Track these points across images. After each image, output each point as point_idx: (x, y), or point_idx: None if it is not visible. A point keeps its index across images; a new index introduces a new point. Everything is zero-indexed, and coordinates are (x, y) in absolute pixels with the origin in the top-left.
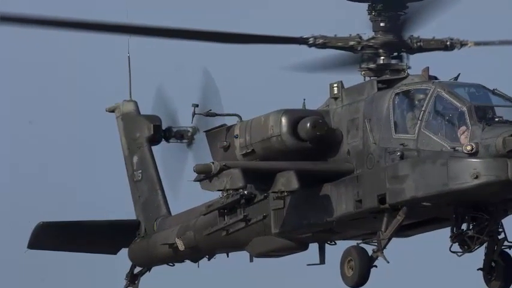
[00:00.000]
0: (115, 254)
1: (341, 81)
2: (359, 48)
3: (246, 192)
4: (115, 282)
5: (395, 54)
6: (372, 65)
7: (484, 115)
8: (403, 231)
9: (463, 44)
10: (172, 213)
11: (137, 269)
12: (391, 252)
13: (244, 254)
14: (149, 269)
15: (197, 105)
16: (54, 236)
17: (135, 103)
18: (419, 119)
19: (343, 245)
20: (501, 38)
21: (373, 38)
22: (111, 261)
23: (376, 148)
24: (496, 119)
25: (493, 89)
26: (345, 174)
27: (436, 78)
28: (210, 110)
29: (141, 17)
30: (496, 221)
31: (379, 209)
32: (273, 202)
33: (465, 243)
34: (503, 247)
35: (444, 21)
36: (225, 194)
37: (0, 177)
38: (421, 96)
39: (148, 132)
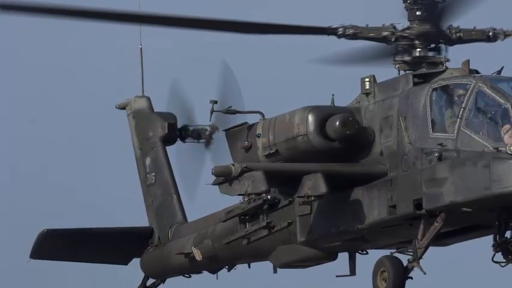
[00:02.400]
0: (126, 264)
1: (373, 76)
2: (393, 39)
3: (269, 196)
4: None
5: (433, 45)
6: (407, 58)
7: None
8: (441, 239)
9: (506, 35)
10: (189, 220)
11: (150, 281)
12: (428, 263)
13: (267, 265)
14: (163, 281)
15: (216, 102)
16: (59, 245)
17: (148, 99)
18: (459, 116)
19: (375, 254)
20: None
21: (408, 28)
22: (121, 272)
23: (412, 148)
24: None
25: None
26: (378, 177)
27: (477, 72)
28: (230, 106)
29: (154, 5)
30: None
31: (415, 215)
32: (298, 207)
33: (509, 252)
34: None
35: (486, 10)
36: (246, 199)
37: (1, 180)
38: (461, 91)
39: (162, 131)
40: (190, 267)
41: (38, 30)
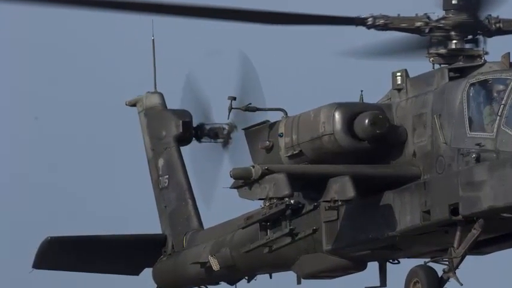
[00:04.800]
0: (137, 274)
1: (405, 70)
2: (427, 30)
3: (292, 201)
4: None
5: (470, 37)
6: (442, 50)
7: None
8: (480, 247)
9: None
10: (205, 227)
11: None
12: (465, 273)
13: (290, 275)
14: None
15: (234, 98)
16: (63, 254)
17: (161, 95)
18: (499, 114)
19: (408, 264)
20: None
21: (443, 18)
22: (132, 283)
23: (448, 149)
24: None
25: None
26: (410, 180)
27: None
28: (250, 103)
29: None
30: None
31: (451, 221)
32: (324, 213)
33: None
34: None
35: None
36: (267, 204)
37: (1, 181)
38: (501, 87)
39: (176, 130)
40: (207, 278)
41: (43, 22)
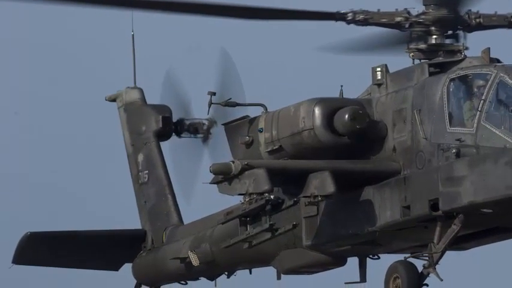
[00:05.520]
0: (117, 270)
1: (385, 65)
2: (407, 26)
3: (272, 196)
4: None
5: (450, 32)
6: (422, 46)
7: None
8: (459, 243)
9: None
10: (185, 222)
11: None
12: (445, 268)
13: (270, 270)
14: None
15: (214, 93)
16: (43, 249)
17: (141, 91)
18: (479, 109)
19: (387, 259)
20: None
21: (423, 13)
22: (112, 278)
23: (427, 144)
24: None
25: None
26: (390, 175)
27: (498, 61)
28: (230, 98)
29: None
30: None
31: (431, 216)
32: (304, 208)
33: None
34: None
35: None
36: (247, 199)
37: None
38: (481, 82)
39: (156, 126)
40: (187, 273)
41: (22, 17)
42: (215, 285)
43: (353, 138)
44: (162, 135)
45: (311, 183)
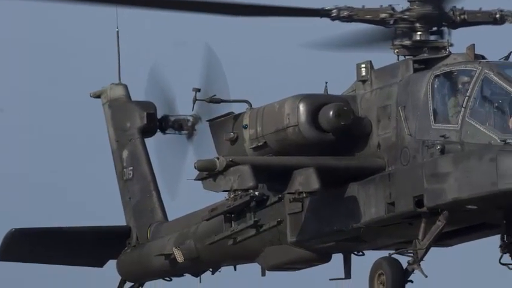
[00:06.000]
0: (101, 266)
1: (370, 61)
2: (391, 22)
3: (257, 193)
4: None
5: (435, 28)
6: (406, 42)
7: None
8: (444, 239)
9: None
10: (169, 219)
11: (127, 285)
12: (430, 265)
13: (254, 267)
14: (141, 285)
15: (199, 90)
16: (28, 246)
17: (125, 87)
18: (464, 106)
19: (372, 256)
20: None
21: (408, 9)
22: (96, 275)
23: (412, 141)
24: None
25: None
26: (375, 171)
27: (483, 57)
28: (214, 95)
29: None
30: None
31: (416, 213)
32: (289, 205)
33: None
34: None
35: None
36: (231, 196)
37: None
38: (466, 78)
39: (140, 122)
40: (171, 270)
41: (5, 13)
42: (200, 282)
43: (338, 134)
44: (147, 131)
45: (296, 180)
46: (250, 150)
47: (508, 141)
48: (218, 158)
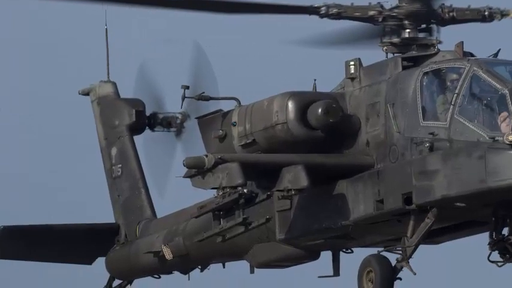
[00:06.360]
0: (90, 264)
1: (359, 59)
2: (380, 19)
3: (245, 190)
4: None
5: (424, 26)
6: (395, 39)
7: None
8: (433, 237)
9: (503, 14)
10: (158, 216)
11: (116, 282)
12: (418, 262)
13: (243, 264)
14: (130, 282)
15: (187, 87)
16: (16, 243)
17: (114, 84)
18: (452, 103)
19: (361, 253)
20: None
21: (397, 6)
22: (85, 272)
23: (401, 138)
24: None
25: None
26: (364, 169)
27: (471, 54)
28: (203, 92)
29: None
30: None
31: (404, 210)
32: (277, 202)
33: (506, 251)
34: None
35: None
36: (220, 193)
37: None
38: (454, 76)
39: (129, 119)
40: (160, 267)
41: None
42: (188, 279)
43: (326, 132)
44: (136, 129)
45: (284, 177)
46: (238, 147)
47: (496, 138)
48: (207, 156)
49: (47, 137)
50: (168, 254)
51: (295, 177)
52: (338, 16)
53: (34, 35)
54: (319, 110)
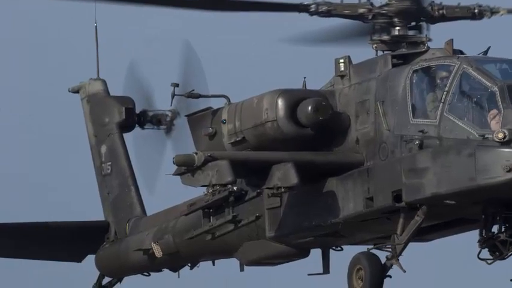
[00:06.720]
0: (79, 261)
1: (348, 56)
2: (370, 17)
3: (235, 188)
4: None
5: (413, 23)
6: (385, 37)
7: None
8: (423, 234)
9: (493, 12)
10: (148, 213)
11: (106, 280)
12: (408, 260)
13: (233, 262)
14: (120, 280)
15: (177, 85)
16: (5, 241)
17: (104, 82)
18: (442, 101)
19: (351, 251)
20: None
21: (386, 4)
22: (75, 270)
23: (391, 136)
24: None
25: None
26: (353, 166)
27: (461, 52)
28: (193, 90)
29: None
30: None
31: (394, 208)
32: (267, 200)
33: (496, 248)
34: None
35: None
36: (210, 191)
37: None
38: (444, 73)
39: (119, 117)
40: (150, 265)
41: None
42: (178, 277)
43: (316, 129)
44: (125, 126)
45: (274, 175)
46: (228, 145)
47: (486, 136)
48: (196, 153)
49: (35, 135)
50: (157, 252)
51: (285, 175)
52: (328, 14)
53: (23, 33)
54: (309, 108)
